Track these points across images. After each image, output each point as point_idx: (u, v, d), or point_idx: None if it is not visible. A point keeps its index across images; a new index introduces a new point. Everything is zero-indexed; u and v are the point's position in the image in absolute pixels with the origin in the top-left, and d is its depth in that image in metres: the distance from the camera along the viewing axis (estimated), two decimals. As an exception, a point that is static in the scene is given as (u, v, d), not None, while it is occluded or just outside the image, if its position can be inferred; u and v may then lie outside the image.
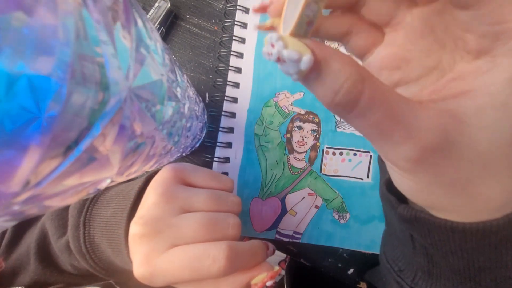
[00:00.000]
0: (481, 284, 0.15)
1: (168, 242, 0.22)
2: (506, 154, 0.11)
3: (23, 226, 0.29)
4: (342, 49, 0.33)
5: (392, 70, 0.15)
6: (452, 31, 0.12)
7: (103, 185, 0.14)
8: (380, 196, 0.19)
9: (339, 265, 0.34)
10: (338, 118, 0.34)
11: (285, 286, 0.28)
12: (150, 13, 0.33)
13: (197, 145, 0.33)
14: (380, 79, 0.16)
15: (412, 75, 0.15)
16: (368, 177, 0.34)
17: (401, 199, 0.16)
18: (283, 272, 0.30)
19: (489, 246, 0.13)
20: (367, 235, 0.33)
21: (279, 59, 0.11)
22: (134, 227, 0.23)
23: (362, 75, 0.11)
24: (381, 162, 0.21)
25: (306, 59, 0.10)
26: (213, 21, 0.35)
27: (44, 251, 0.27)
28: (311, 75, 0.11)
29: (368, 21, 0.15)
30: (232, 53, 0.34)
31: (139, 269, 0.22)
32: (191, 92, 0.24)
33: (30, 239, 0.28)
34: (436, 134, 0.11)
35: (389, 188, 0.17)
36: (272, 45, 0.11)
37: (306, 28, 0.11)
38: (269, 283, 0.22)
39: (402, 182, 0.13)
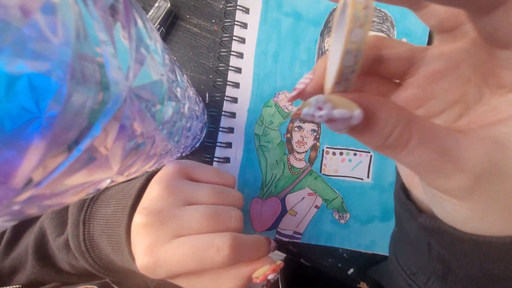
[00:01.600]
0: None
1: (172, 233, 0.22)
2: None
3: (23, 225, 0.29)
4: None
5: (412, 109, 0.15)
6: (482, 67, 0.13)
7: (103, 185, 0.14)
8: (397, 202, 0.18)
9: (339, 265, 0.34)
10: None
11: (280, 285, 0.28)
12: (150, 13, 0.33)
13: (197, 145, 0.33)
14: None
15: (434, 110, 0.15)
16: (368, 177, 0.34)
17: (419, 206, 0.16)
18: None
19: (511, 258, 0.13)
20: (367, 235, 0.33)
21: (329, 120, 0.11)
22: (138, 217, 0.23)
23: (408, 119, 0.11)
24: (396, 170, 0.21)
25: (357, 115, 0.11)
26: (213, 21, 0.35)
27: (41, 250, 0.27)
28: (358, 126, 0.11)
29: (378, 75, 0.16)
30: (232, 53, 0.34)
31: (142, 259, 0.22)
32: (191, 92, 0.24)
33: (29, 238, 0.28)
34: (483, 160, 0.11)
35: (407, 194, 0.17)
36: (320, 108, 0.11)
37: (347, 83, 0.11)
38: (270, 277, 0.22)
39: (455, 211, 0.14)
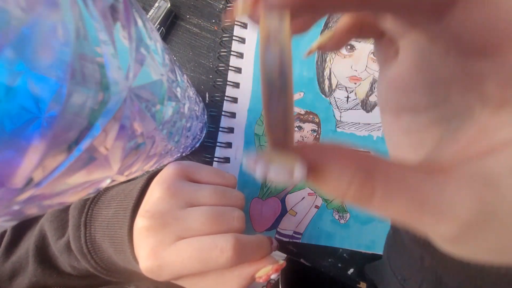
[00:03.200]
0: None
1: (175, 235, 0.22)
2: None
3: (23, 228, 0.29)
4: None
5: (399, 92, 0.14)
6: (465, 75, 0.11)
7: (103, 185, 0.14)
8: None
9: (339, 265, 0.34)
10: (338, 118, 0.34)
11: (280, 285, 0.28)
12: (150, 13, 0.33)
13: (197, 145, 0.33)
14: (389, 98, 0.14)
15: (419, 104, 0.13)
16: (368, 177, 0.33)
17: None
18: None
19: (504, 284, 0.12)
20: (367, 235, 0.33)
21: (268, 178, 0.09)
22: (141, 220, 0.23)
23: (368, 169, 0.10)
24: None
25: (298, 172, 0.09)
26: (213, 21, 0.35)
27: (43, 253, 0.27)
28: (310, 179, 0.10)
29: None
30: (232, 53, 0.34)
31: (146, 262, 0.22)
32: (191, 92, 0.24)
33: (29, 241, 0.28)
34: (470, 208, 0.09)
35: None
36: (255, 165, 0.09)
37: (285, 134, 0.09)
38: (273, 277, 0.23)
39: (444, 249, 0.12)
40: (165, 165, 0.26)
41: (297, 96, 0.34)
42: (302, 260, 0.34)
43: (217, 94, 0.34)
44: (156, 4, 0.33)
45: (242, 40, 0.34)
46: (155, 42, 0.15)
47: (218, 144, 0.34)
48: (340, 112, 0.34)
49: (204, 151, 0.34)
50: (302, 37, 0.34)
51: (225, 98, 0.34)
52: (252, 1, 0.09)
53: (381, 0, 0.09)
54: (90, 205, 0.26)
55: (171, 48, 0.35)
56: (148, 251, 0.22)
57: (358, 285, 0.34)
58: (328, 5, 0.09)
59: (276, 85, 0.09)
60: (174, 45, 0.35)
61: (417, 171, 0.10)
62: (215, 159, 0.34)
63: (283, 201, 0.34)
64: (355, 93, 0.34)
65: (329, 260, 0.34)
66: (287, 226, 0.34)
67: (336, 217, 0.33)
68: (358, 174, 0.09)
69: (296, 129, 0.34)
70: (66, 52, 0.08)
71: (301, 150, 0.10)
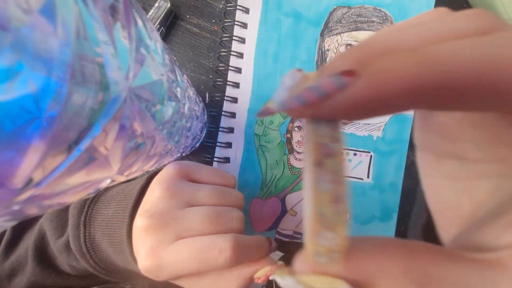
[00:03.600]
0: None
1: (174, 235, 0.22)
2: None
3: (22, 227, 0.29)
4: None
5: (443, 138, 0.13)
6: None
7: (103, 185, 0.14)
8: None
9: (339, 265, 0.34)
10: (338, 118, 0.34)
11: (274, 285, 0.28)
12: (150, 13, 0.33)
13: (197, 145, 0.33)
14: (430, 139, 0.13)
15: (468, 155, 0.12)
16: (368, 177, 0.33)
17: None
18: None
19: None
20: (367, 235, 0.33)
21: None
22: (140, 220, 0.23)
23: (421, 278, 0.09)
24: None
25: None
26: (213, 21, 0.35)
27: (42, 252, 0.27)
28: None
29: None
30: (232, 53, 0.34)
31: (145, 262, 0.22)
32: (191, 92, 0.24)
33: (29, 240, 0.28)
34: None
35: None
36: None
37: (331, 255, 0.08)
38: (272, 277, 0.23)
39: None
40: (165, 165, 0.26)
41: (297, 96, 0.34)
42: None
43: (217, 94, 0.34)
44: (156, 4, 0.33)
45: (242, 40, 0.34)
46: (155, 42, 0.15)
47: (218, 144, 0.34)
48: (340, 112, 0.34)
49: (204, 151, 0.34)
50: (303, 37, 0.34)
51: (225, 98, 0.34)
52: (290, 109, 0.07)
53: (444, 103, 0.08)
54: (89, 204, 0.26)
55: (171, 48, 0.35)
56: (147, 250, 0.22)
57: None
58: (381, 110, 0.08)
59: (328, 216, 0.07)
60: (174, 45, 0.35)
61: (472, 267, 0.09)
62: (215, 159, 0.34)
63: (283, 201, 0.34)
64: (355, 93, 0.34)
65: (329, 260, 0.34)
66: (287, 226, 0.34)
67: (336, 217, 0.33)
68: (411, 286, 0.09)
69: (296, 129, 0.34)
70: (66, 52, 0.08)
71: (345, 271, 0.09)
